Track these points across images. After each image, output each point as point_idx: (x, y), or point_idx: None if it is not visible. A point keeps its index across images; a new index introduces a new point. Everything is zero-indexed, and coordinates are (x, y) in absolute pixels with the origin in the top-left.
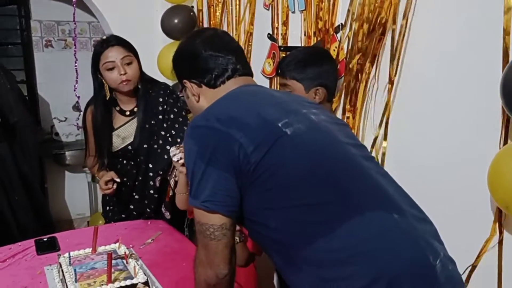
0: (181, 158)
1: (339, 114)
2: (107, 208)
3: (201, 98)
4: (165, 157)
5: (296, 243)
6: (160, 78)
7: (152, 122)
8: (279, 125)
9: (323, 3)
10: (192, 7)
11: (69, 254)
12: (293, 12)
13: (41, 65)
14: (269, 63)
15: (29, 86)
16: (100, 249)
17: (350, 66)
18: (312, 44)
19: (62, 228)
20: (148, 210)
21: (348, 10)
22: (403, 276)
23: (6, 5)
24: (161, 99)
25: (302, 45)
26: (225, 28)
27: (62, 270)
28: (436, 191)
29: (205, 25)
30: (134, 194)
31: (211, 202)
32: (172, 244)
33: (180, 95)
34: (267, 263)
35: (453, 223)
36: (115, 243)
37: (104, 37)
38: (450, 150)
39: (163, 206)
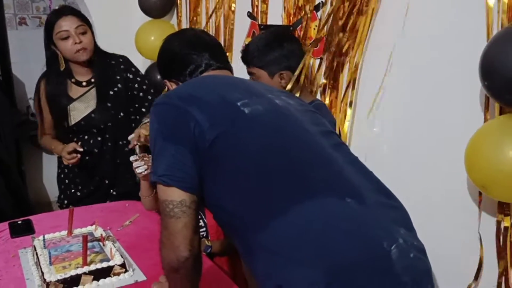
0: (145, 170)
1: (318, 95)
2: (68, 192)
3: None
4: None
5: (251, 227)
6: (138, 57)
7: (115, 89)
8: (238, 104)
9: None
10: None
11: (44, 236)
12: None
13: (15, 44)
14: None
15: (3, 66)
16: (76, 231)
17: (335, 46)
18: (292, 22)
19: (41, 211)
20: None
21: None
22: (354, 265)
23: None
24: (122, 67)
25: (282, 23)
26: (203, 7)
27: (36, 253)
28: (414, 173)
29: (183, 3)
30: (105, 162)
31: (167, 177)
32: (150, 226)
33: None
34: None
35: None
36: (91, 225)
37: (57, 7)
38: (429, 132)
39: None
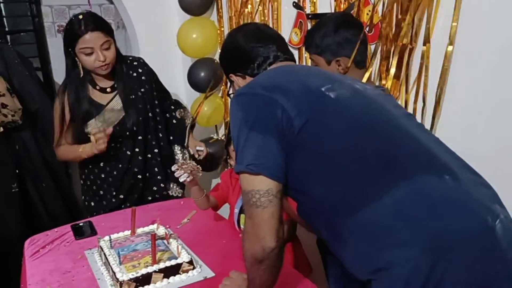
0: (187, 177)
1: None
2: (104, 201)
3: None
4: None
5: (342, 213)
6: (178, 54)
7: (142, 90)
8: (322, 89)
9: None
10: None
11: (110, 237)
12: None
13: (55, 51)
14: (295, 32)
15: (44, 73)
16: (139, 231)
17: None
18: (343, 9)
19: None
20: (158, 179)
21: None
22: (460, 244)
23: None
24: (146, 68)
25: (332, 11)
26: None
27: (104, 254)
28: (496, 165)
29: None
30: (137, 163)
31: (254, 165)
32: (209, 223)
33: (230, 92)
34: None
35: None
36: (152, 224)
37: (80, 17)
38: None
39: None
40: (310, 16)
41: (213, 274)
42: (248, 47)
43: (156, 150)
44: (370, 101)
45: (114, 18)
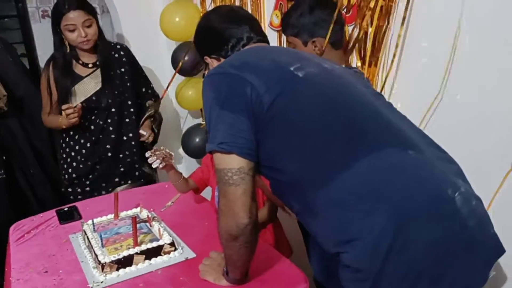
0: (160, 164)
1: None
2: (71, 169)
3: None
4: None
5: (313, 185)
6: (162, 39)
7: (122, 70)
8: (291, 68)
9: None
10: None
11: (93, 221)
12: None
13: (40, 37)
14: (276, 14)
15: (30, 59)
16: (122, 214)
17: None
18: None
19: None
20: (127, 153)
21: None
22: (421, 211)
23: None
24: (122, 53)
25: None
26: None
27: (87, 237)
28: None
29: None
30: (109, 133)
31: (226, 144)
32: (192, 205)
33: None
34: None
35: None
36: (136, 207)
37: None
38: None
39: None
40: None
41: (194, 255)
42: (221, 28)
43: (129, 127)
44: (339, 79)
45: (98, 2)
